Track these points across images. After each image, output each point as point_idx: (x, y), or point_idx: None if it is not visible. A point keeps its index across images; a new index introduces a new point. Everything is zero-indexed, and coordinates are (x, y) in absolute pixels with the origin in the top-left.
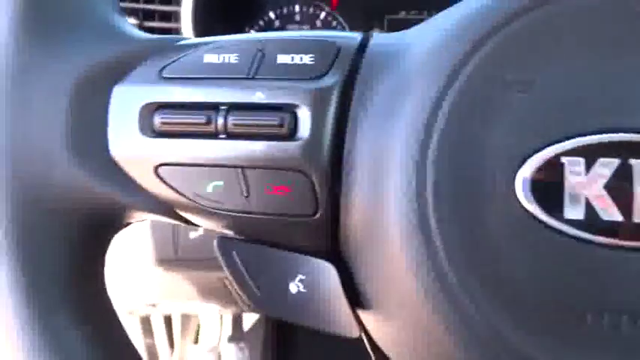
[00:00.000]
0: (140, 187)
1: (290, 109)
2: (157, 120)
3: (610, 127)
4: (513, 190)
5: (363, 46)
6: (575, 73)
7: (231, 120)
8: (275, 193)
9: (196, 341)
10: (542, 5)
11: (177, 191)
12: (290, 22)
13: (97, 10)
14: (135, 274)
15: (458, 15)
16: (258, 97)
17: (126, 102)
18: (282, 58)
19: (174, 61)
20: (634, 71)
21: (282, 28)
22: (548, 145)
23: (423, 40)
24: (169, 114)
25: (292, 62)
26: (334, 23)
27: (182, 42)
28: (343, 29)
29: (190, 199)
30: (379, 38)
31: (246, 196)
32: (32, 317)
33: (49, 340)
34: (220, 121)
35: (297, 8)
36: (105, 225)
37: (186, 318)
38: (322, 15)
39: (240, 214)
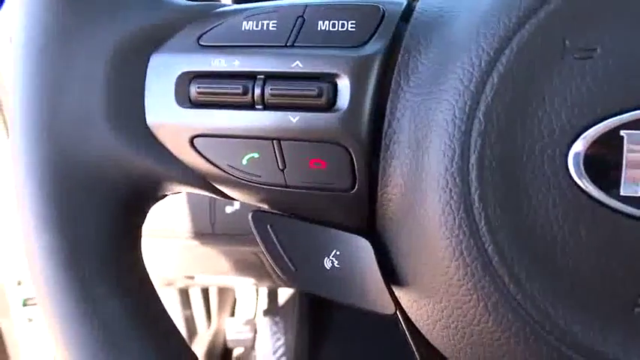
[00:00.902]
0: (175, 158)
1: (329, 79)
2: (194, 90)
3: None
4: (565, 165)
5: (409, 10)
6: (639, 40)
7: (268, 90)
8: (312, 167)
9: (233, 314)
10: None
11: (212, 163)
12: None
13: None
14: (172, 246)
15: None
16: (297, 66)
17: (163, 70)
18: (323, 25)
19: (212, 29)
20: None
21: None
22: (607, 118)
23: (474, 3)
24: (206, 83)
25: (333, 29)
26: None
27: (221, 9)
28: None
29: (225, 172)
30: (426, 2)
31: (282, 169)
32: (72, 287)
33: (87, 310)
34: (257, 91)
35: None
36: (141, 195)
37: (223, 291)
38: None
39: (275, 188)
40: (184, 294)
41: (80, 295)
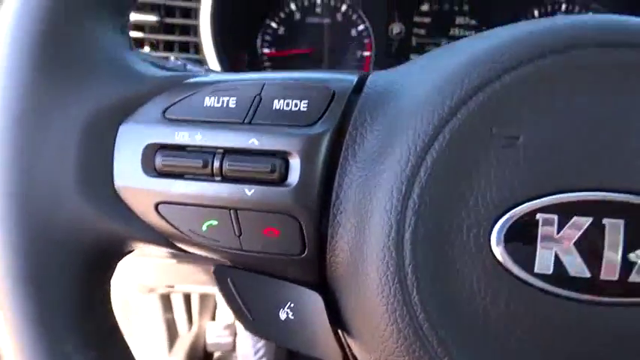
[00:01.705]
0: (141, 220)
1: (282, 156)
2: (159, 160)
3: (586, 186)
4: (489, 243)
5: (358, 89)
6: (557, 132)
7: (226, 164)
8: (266, 234)
9: (214, 318)
10: (531, 62)
11: (175, 227)
12: (310, 14)
13: (107, 48)
14: (152, 262)
15: (451, 63)
16: (252, 143)
17: (131, 141)
18: (278, 104)
19: (177, 102)
20: (614, 133)
21: (302, 21)
22: (525, 202)
23: (414, 87)
24: (170, 156)
25: (287, 108)
26: (354, 17)
27: (188, 81)
28: (363, 22)
29: (187, 235)
30: (374, 81)
31: (239, 235)
32: (43, 345)
33: None
34: (217, 164)
35: (318, 0)
36: (108, 254)
37: (204, 296)
38: (343, 8)
39: (232, 251)
40: (166, 298)
41: (50, 352)
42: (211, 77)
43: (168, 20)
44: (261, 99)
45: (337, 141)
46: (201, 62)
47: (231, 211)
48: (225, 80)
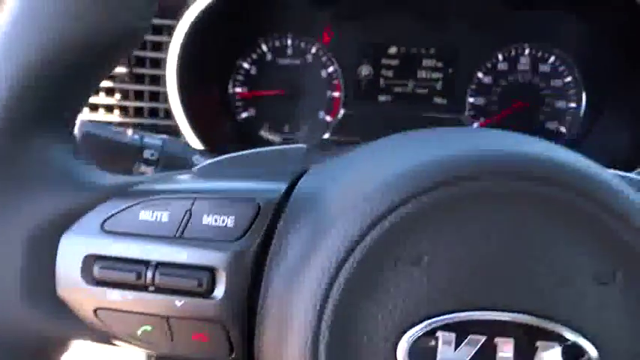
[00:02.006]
0: (83, 324)
1: (209, 270)
2: (96, 270)
3: (481, 305)
4: (394, 356)
5: (285, 200)
6: (454, 255)
7: (158, 276)
8: (196, 340)
9: None
10: (433, 190)
11: (113, 331)
12: (282, 55)
13: (50, 161)
14: None
15: (370, 180)
16: (182, 257)
17: (71, 251)
18: (207, 219)
19: (115, 214)
20: (505, 257)
21: (273, 61)
22: (426, 319)
23: (335, 200)
24: (106, 267)
25: (215, 224)
26: (324, 58)
27: (128, 190)
28: (333, 64)
29: (124, 339)
30: (301, 190)
31: (172, 340)
32: None
33: None
34: (149, 276)
35: (289, 42)
36: (53, 352)
37: None
38: (313, 49)
39: (167, 353)
40: None
41: None
42: (148, 185)
43: (138, 71)
44: (191, 214)
45: (263, 252)
46: (171, 128)
47: (164, 319)
48: (161, 191)
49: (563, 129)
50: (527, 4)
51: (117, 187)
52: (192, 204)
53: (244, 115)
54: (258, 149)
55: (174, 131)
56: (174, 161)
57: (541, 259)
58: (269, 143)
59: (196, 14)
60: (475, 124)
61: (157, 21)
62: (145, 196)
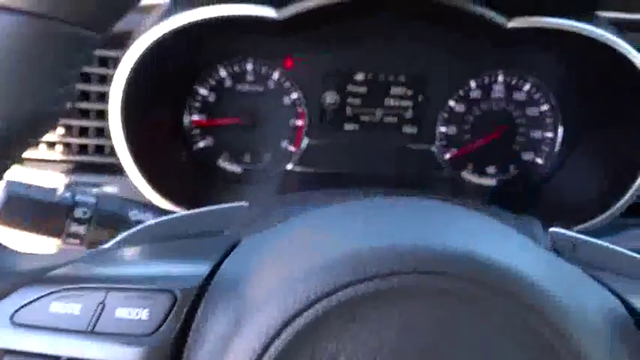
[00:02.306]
0: None
1: None
2: None
3: None
4: None
5: (204, 287)
6: (371, 352)
7: None
8: None
9: None
10: (350, 286)
11: None
12: (242, 81)
13: None
14: None
15: (293, 269)
16: (94, 354)
17: None
18: (121, 312)
19: (25, 305)
20: (423, 353)
21: (233, 87)
22: None
23: (254, 290)
24: None
25: (129, 317)
26: (287, 85)
27: (40, 278)
28: (296, 91)
29: None
30: (220, 277)
31: None
32: None
33: None
34: None
35: (249, 67)
36: None
37: None
38: (275, 75)
39: None
40: None
41: None
42: (62, 272)
43: (82, 106)
44: (104, 306)
45: (179, 344)
46: (117, 166)
47: None
48: (75, 278)
49: (539, 160)
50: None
51: (29, 274)
52: (105, 296)
53: (201, 144)
54: (197, 210)
55: (121, 170)
56: (109, 219)
57: (460, 357)
58: (228, 174)
59: (146, 45)
60: (447, 155)
61: (102, 52)
62: (57, 285)
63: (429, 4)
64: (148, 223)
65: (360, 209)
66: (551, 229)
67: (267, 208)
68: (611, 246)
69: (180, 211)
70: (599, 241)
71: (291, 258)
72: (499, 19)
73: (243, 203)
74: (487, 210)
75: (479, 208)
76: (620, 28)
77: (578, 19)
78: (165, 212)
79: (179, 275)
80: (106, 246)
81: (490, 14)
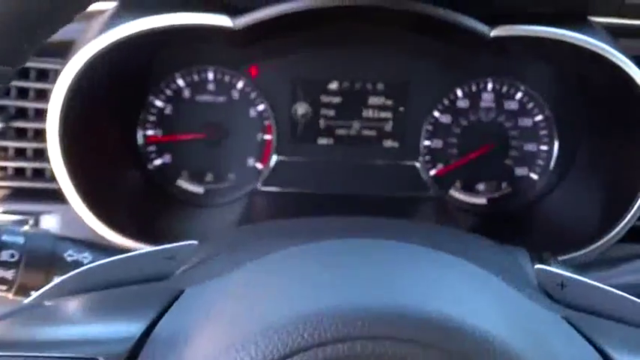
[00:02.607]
0: None
1: None
2: None
3: None
4: None
5: (132, 354)
6: None
7: None
8: None
9: None
10: (296, 354)
11: None
12: (202, 91)
13: None
14: None
15: (233, 334)
16: None
17: None
18: None
19: None
20: None
21: (192, 99)
22: None
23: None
24: None
25: None
26: (253, 95)
27: None
28: (263, 102)
29: None
30: (154, 342)
31: None
32: None
33: None
34: None
35: (210, 76)
36: None
37: None
38: (239, 85)
39: None
40: None
41: None
42: None
43: (16, 124)
44: None
45: None
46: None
47: None
48: None
49: (534, 175)
50: (494, 48)
51: None
52: None
53: (157, 162)
54: (139, 252)
55: (63, 197)
56: (42, 260)
57: None
58: (188, 195)
59: (89, 56)
60: (432, 172)
61: (40, 64)
62: None
63: (406, 16)
64: (80, 270)
65: (312, 259)
66: (538, 267)
67: (219, 247)
68: (602, 286)
69: (128, 243)
70: (588, 281)
71: (233, 320)
72: (481, 27)
73: (193, 242)
74: (471, 240)
75: (461, 237)
76: (615, 34)
77: (569, 26)
78: (107, 249)
79: (107, 338)
80: (29, 300)
81: (471, 23)
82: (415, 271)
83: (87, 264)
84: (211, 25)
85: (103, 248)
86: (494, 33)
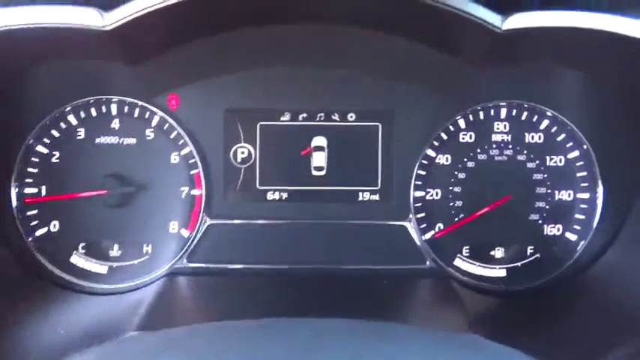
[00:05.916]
0: None
1: None
2: None
3: None
4: None
5: None
6: None
7: None
8: None
9: None
10: None
11: None
12: (102, 131)
13: None
14: None
15: None
16: None
17: None
18: None
19: None
20: None
21: (89, 141)
22: None
23: None
24: None
25: None
26: (174, 134)
27: None
28: (187, 145)
29: None
30: None
31: None
32: None
33: None
34: None
35: (114, 109)
36: None
37: None
38: (155, 120)
39: None
40: None
41: None
42: None
43: None
44: None
45: None
46: None
47: None
48: None
49: (571, 236)
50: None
51: None
52: None
53: (40, 232)
54: None
55: None
56: None
57: None
58: (86, 275)
59: None
60: (428, 234)
61: None
62: None
63: (416, 5)
64: None
65: None
66: None
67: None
68: None
69: None
70: None
71: None
72: (493, 18)
73: None
74: (466, 344)
75: (453, 340)
76: None
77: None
78: None
79: None
80: None
81: (483, 13)
82: None
83: None
84: (79, 25)
85: None
86: (506, 25)
